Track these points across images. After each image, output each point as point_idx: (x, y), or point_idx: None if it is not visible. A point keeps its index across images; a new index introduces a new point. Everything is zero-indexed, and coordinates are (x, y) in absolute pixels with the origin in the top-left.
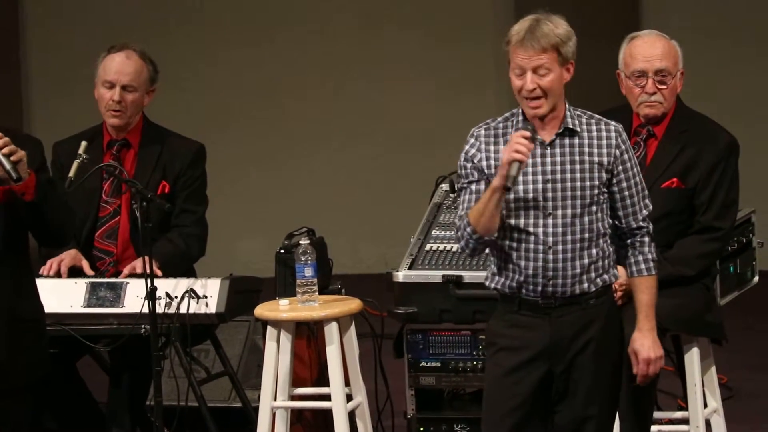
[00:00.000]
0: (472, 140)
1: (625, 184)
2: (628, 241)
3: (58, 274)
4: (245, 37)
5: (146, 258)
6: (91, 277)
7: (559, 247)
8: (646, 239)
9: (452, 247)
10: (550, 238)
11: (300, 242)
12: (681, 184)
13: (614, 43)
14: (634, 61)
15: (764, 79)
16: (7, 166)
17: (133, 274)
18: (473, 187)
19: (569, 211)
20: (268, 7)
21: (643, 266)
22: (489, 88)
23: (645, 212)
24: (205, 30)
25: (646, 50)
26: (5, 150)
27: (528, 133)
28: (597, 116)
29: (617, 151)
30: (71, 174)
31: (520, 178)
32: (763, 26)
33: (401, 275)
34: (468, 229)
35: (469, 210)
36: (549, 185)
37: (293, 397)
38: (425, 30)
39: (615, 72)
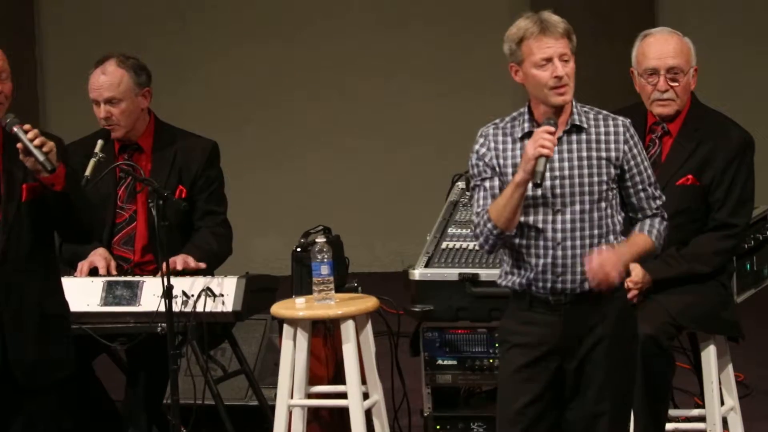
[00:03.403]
0: (482, 140)
1: (638, 179)
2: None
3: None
4: (259, 34)
5: (165, 258)
6: (108, 275)
7: (568, 243)
8: (658, 219)
9: (468, 245)
10: (559, 235)
11: (316, 240)
12: (696, 181)
13: (630, 42)
14: (646, 58)
15: None
16: (41, 157)
17: (174, 271)
18: (487, 184)
19: (577, 207)
20: (282, 5)
21: (647, 228)
22: (504, 85)
23: (659, 202)
24: (219, 27)
25: (659, 48)
26: (37, 141)
27: (552, 128)
28: (604, 112)
29: (626, 147)
30: (87, 173)
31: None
32: None
33: (417, 273)
34: (489, 225)
35: (486, 207)
36: (557, 182)
37: (310, 396)
38: (440, 28)
39: (629, 70)
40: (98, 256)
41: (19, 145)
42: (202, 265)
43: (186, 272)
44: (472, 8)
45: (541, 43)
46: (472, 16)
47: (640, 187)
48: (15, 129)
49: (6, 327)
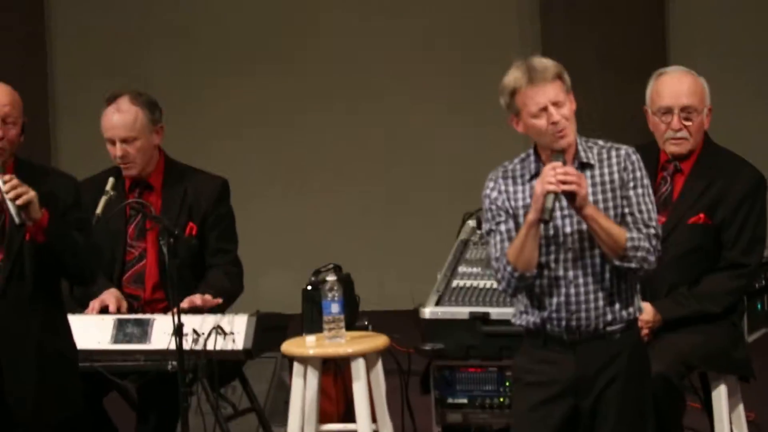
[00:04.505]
0: (492, 184)
1: (626, 202)
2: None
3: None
4: (266, 58)
5: (179, 297)
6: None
7: (580, 281)
8: (643, 237)
9: (479, 283)
10: (571, 272)
11: (327, 279)
12: (708, 220)
13: (641, 79)
14: (660, 97)
15: None
16: (12, 210)
17: (192, 308)
18: (503, 227)
19: (587, 244)
20: (294, 24)
21: (628, 233)
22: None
23: (651, 231)
24: (224, 50)
25: (673, 87)
26: (11, 194)
27: (560, 164)
28: (608, 144)
29: (624, 173)
30: (99, 210)
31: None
32: None
33: (428, 311)
34: (508, 269)
35: (504, 251)
36: (567, 220)
37: None
38: (450, 59)
39: (642, 108)
40: (110, 295)
41: None
42: (219, 300)
43: (200, 310)
44: (485, 39)
45: (532, 93)
46: (487, 48)
47: (627, 210)
48: None
49: (3, 365)
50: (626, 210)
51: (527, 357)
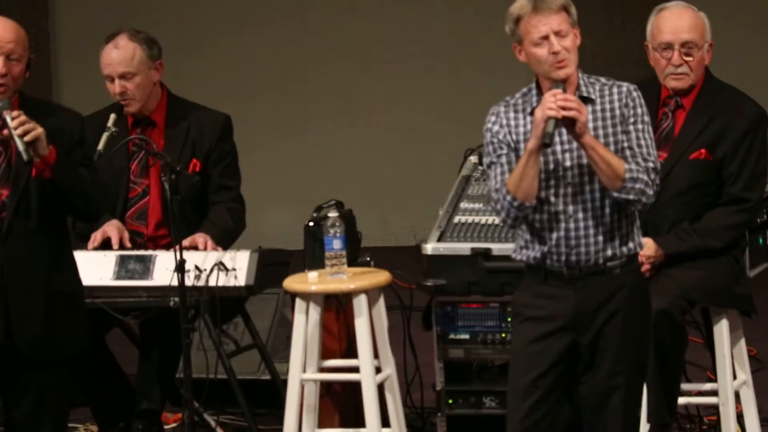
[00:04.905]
0: (493, 117)
1: (626, 137)
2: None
3: (103, 246)
4: (274, 7)
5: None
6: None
7: (580, 215)
8: (642, 169)
9: (481, 219)
10: (570, 207)
11: (329, 215)
12: (709, 156)
13: (642, 15)
14: (660, 33)
15: None
16: (20, 146)
17: (192, 247)
18: (504, 159)
19: (587, 179)
20: None
21: (626, 165)
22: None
23: (649, 165)
24: (233, 2)
25: (673, 22)
26: (19, 130)
27: (560, 91)
28: (610, 81)
29: (625, 109)
30: (100, 146)
31: None
32: None
33: (430, 248)
34: (508, 197)
35: (504, 181)
36: (567, 154)
37: (322, 370)
38: (452, 4)
39: (643, 44)
40: (112, 227)
41: (5, 131)
42: (220, 249)
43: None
44: None
45: (535, 21)
46: None
47: (626, 145)
48: (4, 114)
49: (11, 302)
50: (625, 144)
51: (527, 292)
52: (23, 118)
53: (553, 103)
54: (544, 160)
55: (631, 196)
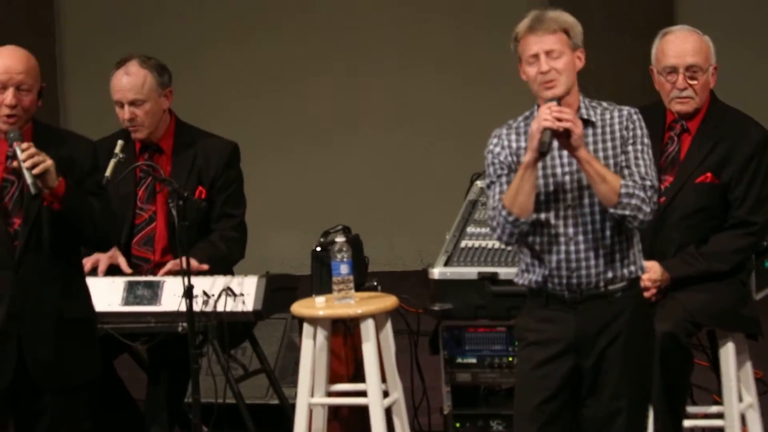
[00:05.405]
0: (496, 140)
1: (630, 149)
2: None
3: (91, 272)
4: (273, 24)
5: (184, 257)
6: (129, 275)
7: (581, 238)
8: (639, 187)
9: (487, 243)
10: (571, 230)
11: (336, 240)
12: (715, 179)
13: (647, 39)
14: (665, 56)
15: None
16: (28, 180)
17: (172, 272)
18: (503, 179)
19: (587, 201)
20: None
21: (623, 179)
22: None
23: (647, 183)
24: (234, 16)
25: (678, 46)
26: (28, 163)
27: (554, 104)
28: (612, 105)
29: (626, 132)
30: (108, 173)
31: (540, 172)
32: None
33: (437, 272)
34: (503, 213)
35: (501, 200)
36: (567, 177)
37: (330, 394)
38: (456, 19)
39: (648, 68)
40: (102, 255)
41: (15, 162)
42: (204, 267)
43: (185, 272)
44: (492, 1)
45: (529, 41)
46: (488, 7)
47: (624, 164)
48: (14, 146)
49: (23, 330)
50: (624, 164)
51: (529, 317)
52: (33, 150)
53: (548, 114)
54: (544, 182)
55: (627, 212)
